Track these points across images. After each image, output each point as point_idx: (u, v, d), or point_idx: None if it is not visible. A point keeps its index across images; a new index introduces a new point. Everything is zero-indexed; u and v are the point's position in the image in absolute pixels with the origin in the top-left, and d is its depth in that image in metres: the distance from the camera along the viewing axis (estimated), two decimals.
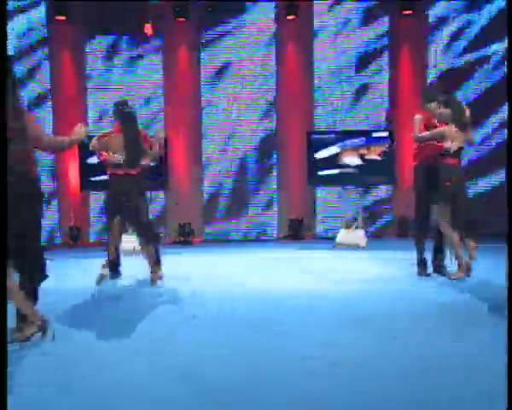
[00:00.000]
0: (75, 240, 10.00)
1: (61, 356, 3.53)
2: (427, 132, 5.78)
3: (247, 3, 10.21)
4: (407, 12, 9.93)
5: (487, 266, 6.57)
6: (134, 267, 6.27)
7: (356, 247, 8.80)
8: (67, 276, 6.25)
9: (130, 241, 8.21)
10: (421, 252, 6.08)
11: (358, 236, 8.95)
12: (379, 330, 3.93)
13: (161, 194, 10.27)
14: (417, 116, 5.92)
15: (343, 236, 9.16)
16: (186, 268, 7.01)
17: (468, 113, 5.69)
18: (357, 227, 9.17)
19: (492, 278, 5.59)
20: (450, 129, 5.62)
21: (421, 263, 6.10)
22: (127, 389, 2.92)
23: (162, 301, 5.19)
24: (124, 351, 3.61)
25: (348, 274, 6.31)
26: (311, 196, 10.35)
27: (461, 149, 5.68)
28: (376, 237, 9.60)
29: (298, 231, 10.12)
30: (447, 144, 5.59)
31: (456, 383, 2.91)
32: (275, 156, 10.45)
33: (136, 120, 5.93)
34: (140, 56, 10.28)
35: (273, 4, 10.23)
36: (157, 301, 5.22)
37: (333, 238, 9.44)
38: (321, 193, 10.36)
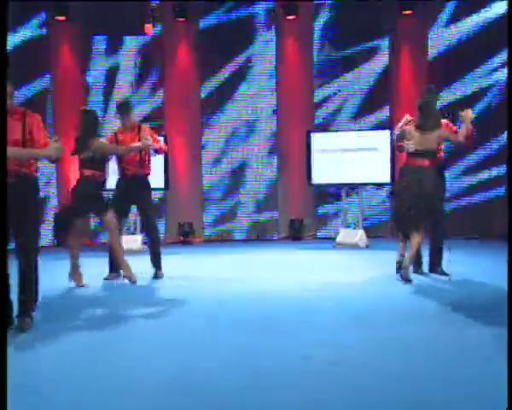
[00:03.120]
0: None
1: (58, 356, 3.53)
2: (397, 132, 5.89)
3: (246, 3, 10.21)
4: (407, 12, 9.90)
5: (487, 266, 6.57)
6: (134, 267, 6.24)
7: (356, 247, 8.79)
8: (66, 276, 6.24)
9: (133, 241, 8.21)
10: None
11: (358, 236, 8.94)
12: (379, 331, 3.93)
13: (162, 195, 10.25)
14: (406, 116, 5.98)
15: (343, 236, 9.15)
16: (186, 268, 7.01)
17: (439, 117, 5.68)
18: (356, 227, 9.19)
19: (492, 278, 5.59)
20: (410, 130, 5.65)
21: (418, 262, 6.11)
22: (125, 390, 2.92)
23: (161, 301, 5.19)
24: (120, 351, 3.61)
25: (348, 274, 6.31)
26: (311, 196, 10.32)
27: (428, 150, 5.55)
28: (376, 237, 9.59)
29: (298, 231, 10.10)
30: (405, 144, 5.64)
31: (456, 383, 2.91)
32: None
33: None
34: (139, 56, 10.26)
35: (273, 4, 10.21)
36: (156, 301, 5.22)
37: (333, 238, 9.43)
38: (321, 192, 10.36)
